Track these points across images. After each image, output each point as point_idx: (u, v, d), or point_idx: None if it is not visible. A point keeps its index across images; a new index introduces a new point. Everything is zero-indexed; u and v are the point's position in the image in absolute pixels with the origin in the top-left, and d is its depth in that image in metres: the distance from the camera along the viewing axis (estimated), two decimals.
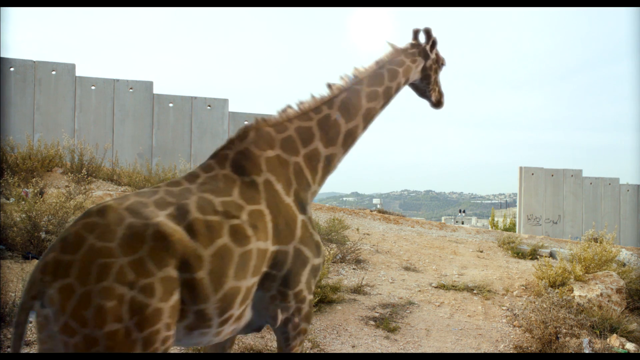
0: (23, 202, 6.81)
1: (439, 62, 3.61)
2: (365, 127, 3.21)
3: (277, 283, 2.65)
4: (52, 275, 2.05)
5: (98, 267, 2.04)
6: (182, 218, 2.33)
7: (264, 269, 2.58)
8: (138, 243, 2.15)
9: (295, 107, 3.01)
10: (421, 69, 3.48)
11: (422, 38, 3.58)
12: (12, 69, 15.55)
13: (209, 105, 17.07)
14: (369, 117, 3.20)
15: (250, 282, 2.51)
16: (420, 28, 3.51)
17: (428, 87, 3.60)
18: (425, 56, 3.47)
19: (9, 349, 4.36)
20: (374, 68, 3.25)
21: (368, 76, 3.20)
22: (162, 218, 2.27)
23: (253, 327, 2.80)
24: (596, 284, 7.23)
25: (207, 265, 2.31)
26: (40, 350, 2.16)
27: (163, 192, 2.46)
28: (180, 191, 2.50)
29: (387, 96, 3.28)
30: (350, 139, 3.11)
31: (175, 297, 2.21)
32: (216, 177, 2.64)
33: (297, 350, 2.84)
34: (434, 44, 3.53)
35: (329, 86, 3.11)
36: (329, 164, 3.04)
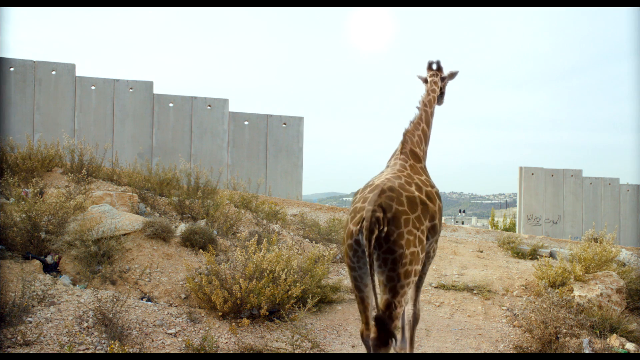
0: (23, 202, 6.80)
1: (446, 81, 5.21)
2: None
3: (436, 230, 4.09)
4: (382, 225, 3.40)
5: (404, 220, 3.48)
6: (420, 191, 3.86)
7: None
8: (415, 206, 3.63)
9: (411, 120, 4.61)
10: (439, 88, 5.04)
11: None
12: (12, 69, 15.56)
13: (209, 105, 17.07)
14: (431, 127, 4.81)
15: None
16: (434, 60, 5.10)
17: (441, 99, 5.18)
18: (442, 80, 5.05)
19: (9, 349, 4.36)
20: (427, 95, 4.83)
21: (428, 100, 4.78)
22: (417, 193, 3.77)
23: None
24: (596, 284, 7.23)
25: (438, 215, 3.96)
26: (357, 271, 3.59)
27: (402, 177, 3.89)
28: (408, 175, 3.99)
29: (433, 113, 4.87)
30: (428, 140, 4.72)
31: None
32: (412, 166, 4.20)
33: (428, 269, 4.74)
34: (440, 69, 5.10)
35: (418, 108, 4.71)
36: (425, 156, 4.62)
